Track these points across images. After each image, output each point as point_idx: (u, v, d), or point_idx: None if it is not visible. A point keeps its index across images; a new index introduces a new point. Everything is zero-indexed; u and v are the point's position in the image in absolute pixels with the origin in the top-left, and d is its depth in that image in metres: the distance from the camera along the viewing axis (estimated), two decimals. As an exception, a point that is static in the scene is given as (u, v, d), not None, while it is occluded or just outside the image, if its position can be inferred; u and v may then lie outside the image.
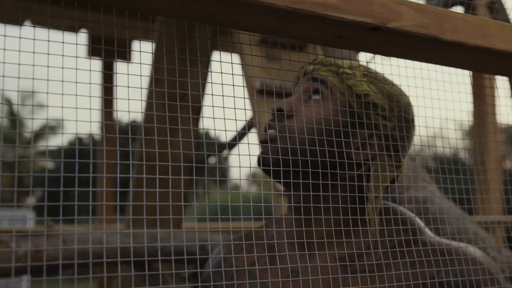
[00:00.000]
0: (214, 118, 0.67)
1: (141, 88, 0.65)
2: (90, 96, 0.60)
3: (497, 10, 2.57)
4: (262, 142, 0.81)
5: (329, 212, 0.78)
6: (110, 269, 2.70)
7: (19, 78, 0.57)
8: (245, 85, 1.81)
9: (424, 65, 0.80)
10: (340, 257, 0.78)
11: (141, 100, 0.61)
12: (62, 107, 0.59)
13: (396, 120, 0.82)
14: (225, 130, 0.67)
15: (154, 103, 2.67)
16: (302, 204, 0.79)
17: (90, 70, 0.63)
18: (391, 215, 0.79)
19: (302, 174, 0.76)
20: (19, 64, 0.56)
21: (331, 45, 0.72)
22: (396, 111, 0.82)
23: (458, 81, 0.87)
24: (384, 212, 0.80)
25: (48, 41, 0.59)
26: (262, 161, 0.79)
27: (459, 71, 0.83)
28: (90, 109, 0.60)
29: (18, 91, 0.58)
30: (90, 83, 0.61)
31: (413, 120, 0.85)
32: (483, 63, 0.77)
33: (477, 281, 0.72)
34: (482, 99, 2.65)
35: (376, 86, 0.82)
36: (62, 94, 0.59)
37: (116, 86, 4.05)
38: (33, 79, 0.58)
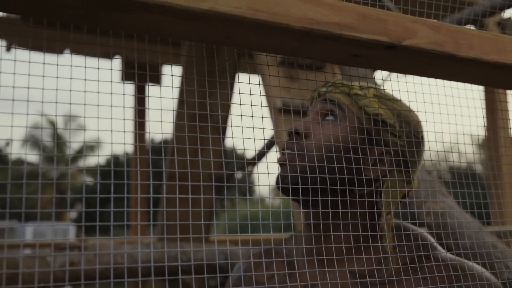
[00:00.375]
0: (240, 137, 0.66)
1: (171, 109, 0.65)
2: (124, 119, 0.60)
3: (505, 25, 2.54)
4: (280, 161, 0.81)
5: (345, 229, 0.78)
6: (141, 283, 2.70)
7: (56, 103, 0.57)
8: (266, 104, 1.82)
9: (439, 81, 0.78)
10: (354, 272, 0.78)
11: (172, 122, 0.62)
12: (98, 129, 0.59)
13: (405, 137, 0.81)
14: (245, 149, 0.67)
15: (184, 124, 2.70)
16: (320, 221, 0.79)
17: (124, 94, 0.63)
18: (402, 231, 0.79)
19: (319, 192, 0.76)
20: (57, 89, 0.57)
21: (348, 64, 0.71)
22: (406, 128, 0.82)
23: (472, 96, 0.85)
24: (395, 228, 0.80)
25: (85, 67, 0.60)
26: (281, 180, 0.79)
27: (473, 86, 0.82)
28: (124, 131, 0.60)
29: (56, 115, 0.59)
30: (124, 107, 0.61)
31: (422, 136, 0.85)
32: (499, 79, 0.75)
33: None
34: (495, 113, 2.61)
35: (386, 105, 0.82)
36: (98, 117, 0.59)
37: (148, 108, 4.09)
38: (70, 103, 0.59)
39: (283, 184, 0.78)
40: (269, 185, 0.73)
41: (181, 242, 1.90)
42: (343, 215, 0.78)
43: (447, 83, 0.80)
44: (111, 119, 0.59)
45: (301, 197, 0.76)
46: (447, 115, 0.83)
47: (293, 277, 0.82)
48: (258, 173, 0.69)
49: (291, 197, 0.78)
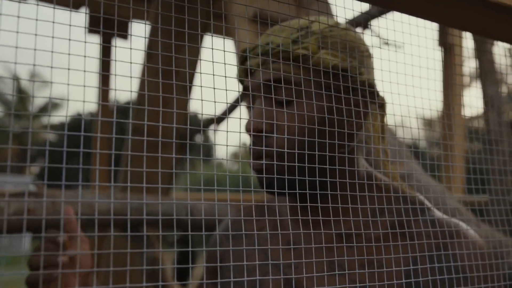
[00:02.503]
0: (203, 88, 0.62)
1: (138, 65, 0.60)
2: (84, 71, 0.54)
3: None
4: (255, 168, 0.70)
5: (334, 190, 0.71)
6: (101, 232, 2.65)
7: (16, 47, 0.51)
8: (236, 61, 1.77)
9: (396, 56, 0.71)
10: (340, 229, 0.72)
11: (131, 77, 0.56)
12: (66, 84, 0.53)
13: (367, 67, 0.70)
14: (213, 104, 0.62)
15: (146, 78, 2.61)
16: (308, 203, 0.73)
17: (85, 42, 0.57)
18: (399, 193, 0.72)
19: (307, 177, 0.68)
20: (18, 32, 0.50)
21: None
22: (360, 56, 0.70)
23: (432, 74, 0.77)
24: (389, 190, 0.73)
25: (53, 22, 0.53)
26: (266, 187, 0.70)
27: (433, 59, 0.75)
28: (84, 86, 0.55)
29: (15, 63, 0.52)
30: (85, 56, 0.55)
31: (368, 50, 0.72)
32: (503, 25, 0.66)
33: (470, 266, 0.64)
34: (450, 90, 2.64)
35: (333, 48, 0.68)
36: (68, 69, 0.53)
37: (115, 61, 3.95)
38: (35, 49, 0.53)
39: (271, 188, 0.69)
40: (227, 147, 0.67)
41: (140, 195, 1.85)
42: (334, 187, 0.72)
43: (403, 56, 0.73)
44: (68, 68, 0.53)
45: (297, 191, 0.66)
46: (405, 85, 0.75)
47: (277, 234, 0.78)
48: (215, 135, 0.65)
49: (286, 192, 0.70)
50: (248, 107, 0.78)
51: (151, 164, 2.48)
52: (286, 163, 0.58)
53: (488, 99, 2.14)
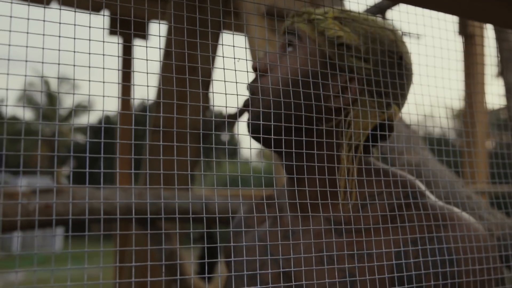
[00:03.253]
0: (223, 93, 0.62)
1: (157, 64, 0.61)
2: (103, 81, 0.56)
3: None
4: (242, 107, 0.75)
5: (314, 172, 0.71)
6: (123, 228, 2.70)
7: (43, 63, 0.52)
8: (253, 58, 1.77)
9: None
10: (329, 219, 0.71)
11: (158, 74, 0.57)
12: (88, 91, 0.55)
13: (378, 60, 0.70)
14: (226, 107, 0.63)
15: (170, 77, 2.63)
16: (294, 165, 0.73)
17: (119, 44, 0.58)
18: (390, 177, 0.70)
19: (284, 133, 0.69)
20: (43, 48, 0.52)
21: None
22: (376, 49, 0.71)
23: (451, 66, 0.74)
24: (383, 174, 0.71)
25: (74, 25, 0.55)
26: (247, 128, 0.74)
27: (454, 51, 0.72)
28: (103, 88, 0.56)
29: (41, 76, 0.54)
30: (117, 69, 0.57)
31: (401, 57, 0.72)
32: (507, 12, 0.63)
33: (463, 249, 0.62)
34: (472, 78, 2.60)
35: (350, 27, 0.71)
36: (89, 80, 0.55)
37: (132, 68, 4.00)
38: (58, 64, 0.54)
39: (251, 133, 0.72)
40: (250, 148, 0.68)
41: (164, 192, 1.88)
42: (311, 158, 0.71)
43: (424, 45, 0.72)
44: (102, 82, 0.54)
45: (261, 135, 0.71)
46: (427, 76, 0.73)
47: (277, 223, 0.79)
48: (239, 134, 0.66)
49: (251, 137, 0.73)
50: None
51: (170, 163, 2.51)
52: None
53: (510, 87, 2.10)
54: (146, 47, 0.58)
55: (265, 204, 0.84)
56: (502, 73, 2.10)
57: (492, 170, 0.83)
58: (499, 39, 2.07)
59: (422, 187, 0.72)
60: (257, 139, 0.72)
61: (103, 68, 0.54)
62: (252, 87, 0.74)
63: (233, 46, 0.59)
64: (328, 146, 0.71)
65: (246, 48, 0.68)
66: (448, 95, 0.75)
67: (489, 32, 1.93)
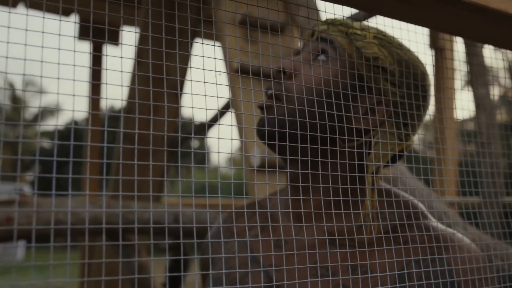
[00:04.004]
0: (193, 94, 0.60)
1: (129, 72, 0.58)
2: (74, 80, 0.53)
3: None
4: (260, 105, 0.71)
5: (326, 183, 0.69)
6: (91, 240, 2.62)
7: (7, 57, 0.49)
8: (225, 67, 1.75)
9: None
10: (330, 230, 0.69)
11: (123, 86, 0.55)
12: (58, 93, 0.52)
13: (406, 87, 0.71)
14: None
15: (136, 84, 2.59)
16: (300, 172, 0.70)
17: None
18: (393, 198, 0.69)
19: (300, 142, 0.66)
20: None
21: None
22: (408, 78, 0.71)
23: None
24: (385, 195, 0.70)
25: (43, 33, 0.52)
26: (258, 130, 0.69)
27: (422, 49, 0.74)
28: (74, 95, 0.53)
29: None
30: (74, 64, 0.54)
31: (427, 90, 0.73)
32: (478, 26, 0.65)
33: (464, 275, 0.62)
34: (442, 92, 2.63)
35: (388, 50, 0.70)
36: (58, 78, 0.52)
37: (106, 69, 3.94)
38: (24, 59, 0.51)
39: (261, 127, 0.68)
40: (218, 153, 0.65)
41: (131, 202, 1.83)
42: (325, 169, 0.69)
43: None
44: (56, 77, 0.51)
45: (284, 150, 0.67)
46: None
47: (267, 231, 0.75)
48: (215, 138, 0.62)
49: (266, 142, 0.69)
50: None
51: (141, 171, 2.46)
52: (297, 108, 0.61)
53: (479, 102, 2.14)
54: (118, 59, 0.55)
55: (257, 213, 0.80)
56: (472, 87, 2.15)
57: (462, 178, 0.83)
58: (469, 53, 2.12)
59: (423, 208, 0.71)
60: (272, 144, 0.69)
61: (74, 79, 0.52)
62: (276, 91, 0.70)
63: (201, 56, 0.57)
64: (344, 159, 0.70)
65: (216, 59, 0.66)
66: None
67: (459, 46, 1.97)
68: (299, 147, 0.64)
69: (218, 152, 0.59)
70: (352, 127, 0.69)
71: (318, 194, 0.70)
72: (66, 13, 3.60)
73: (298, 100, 0.68)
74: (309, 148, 0.64)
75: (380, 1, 0.57)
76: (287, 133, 0.67)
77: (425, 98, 0.73)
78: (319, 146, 0.64)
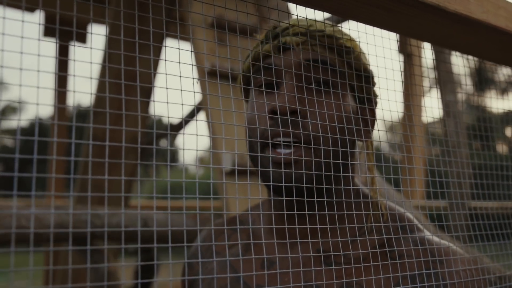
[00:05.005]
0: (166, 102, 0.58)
1: (96, 71, 0.56)
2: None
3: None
4: (285, 161, 0.60)
5: (321, 208, 0.63)
6: (56, 245, 2.55)
7: None
8: (195, 69, 1.73)
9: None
10: (319, 248, 0.65)
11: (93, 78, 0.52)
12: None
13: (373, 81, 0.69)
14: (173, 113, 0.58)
15: (107, 84, 2.54)
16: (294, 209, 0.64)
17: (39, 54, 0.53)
18: (379, 211, 0.66)
19: (318, 180, 0.61)
20: None
21: (294, 1, 0.54)
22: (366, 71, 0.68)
23: (392, 78, 0.77)
24: (372, 206, 0.67)
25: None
26: (296, 182, 0.60)
27: (394, 66, 0.74)
28: (38, 87, 0.51)
29: None
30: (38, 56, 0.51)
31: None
32: (457, 36, 0.65)
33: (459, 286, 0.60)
34: (410, 97, 2.68)
35: (365, 55, 0.68)
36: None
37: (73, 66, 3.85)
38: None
39: (300, 184, 0.59)
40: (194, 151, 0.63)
41: (97, 207, 1.79)
42: (330, 193, 0.65)
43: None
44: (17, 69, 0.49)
45: (305, 199, 0.59)
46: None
47: (251, 251, 0.70)
48: (184, 137, 0.59)
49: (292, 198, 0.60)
50: (263, 90, 0.66)
51: (106, 172, 2.41)
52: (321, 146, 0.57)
53: (446, 107, 2.19)
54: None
55: (238, 230, 0.74)
56: (441, 93, 2.19)
57: (428, 179, 0.83)
58: (437, 60, 2.16)
59: (414, 220, 0.68)
60: (289, 190, 0.60)
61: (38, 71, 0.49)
62: (295, 133, 0.60)
63: (167, 61, 0.55)
64: (348, 180, 0.68)
65: (191, 64, 0.64)
66: (386, 113, 0.74)
67: (427, 52, 2.00)
68: (314, 187, 0.59)
69: (188, 163, 0.57)
70: (355, 144, 0.67)
71: (316, 213, 0.64)
72: (31, 10, 3.50)
73: (324, 140, 0.60)
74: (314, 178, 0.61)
75: (356, 7, 0.56)
76: (316, 175, 0.61)
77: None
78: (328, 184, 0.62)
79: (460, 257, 0.63)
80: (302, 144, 0.59)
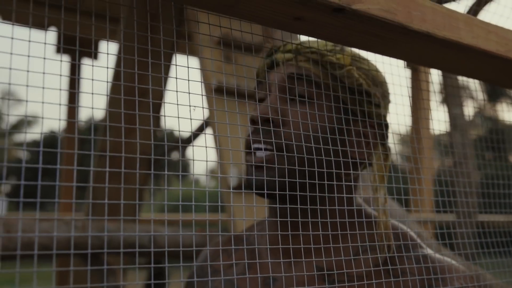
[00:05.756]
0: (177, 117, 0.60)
1: (106, 86, 0.58)
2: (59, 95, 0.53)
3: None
4: (256, 163, 0.64)
5: (324, 218, 0.66)
6: (63, 261, 2.57)
7: None
8: (203, 87, 1.76)
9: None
10: (321, 267, 0.66)
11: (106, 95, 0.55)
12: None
13: (386, 107, 0.70)
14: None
15: (118, 100, 2.58)
16: (290, 218, 0.66)
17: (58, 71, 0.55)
18: (381, 229, 0.66)
19: (300, 187, 0.63)
20: None
21: (289, 29, 0.59)
22: (381, 93, 0.70)
23: (399, 92, 0.78)
24: (375, 225, 0.67)
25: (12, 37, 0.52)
26: (258, 186, 0.64)
27: (401, 81, 0.76)
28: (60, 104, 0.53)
29: None
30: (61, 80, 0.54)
31: (388, 97, 0.73)
32: (449, 59, 0.67)
33: None
34: (418, 106, 2.69)
35: (361, 70, 0.68)
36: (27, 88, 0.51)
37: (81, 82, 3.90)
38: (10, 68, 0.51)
39: (260, 190, 0.63)
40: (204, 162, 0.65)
41: (103, 222, 1.81)
42: (322, 203, 0.66)
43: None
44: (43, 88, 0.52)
45: (289, 204, 0.63)
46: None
47: (254, 268, 0.70)
48: (196, 148, 0.61)
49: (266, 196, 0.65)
50: (258, 103, 0.72)
51: (115, 191, 2.44)
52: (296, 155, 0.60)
53: (454, 122, 2.19)
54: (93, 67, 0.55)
55: (233, 243, 0.77)
56: (447, 107, 2.19)
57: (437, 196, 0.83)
58: (444, 75, 2.17)
59: (415, 238, 0.69)
60: (272, 195, 0.63)
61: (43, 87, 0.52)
62: (272, 141, 0.64)
63: (177, 79, 0.57)
64: (347, 198, 0.68)
65: (199, 80, 0.66)
66: (396, 127, 0.76)
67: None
68: (298, 194, 0.61)
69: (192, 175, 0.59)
70: (348, 161, 0.67)
71: (314, 229, 0.66)
72: (43, 26, 3.56)
73: (297, 148, 0.63)
74: (308, 187, 0.62)
75: (349, 35, 0.58)
76: (290, 182, 0.63)
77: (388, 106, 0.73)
78: (324, 182, 0.63)
79: (462, 275, 0.63)
80: (274, 152, 0.62)
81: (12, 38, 0.52)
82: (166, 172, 0.58)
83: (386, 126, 0.71)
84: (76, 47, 0.52)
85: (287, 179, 0.62)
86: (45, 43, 0.50)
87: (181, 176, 0.57)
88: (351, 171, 0.67)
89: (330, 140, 0.65)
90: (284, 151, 0.63)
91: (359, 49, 0.64)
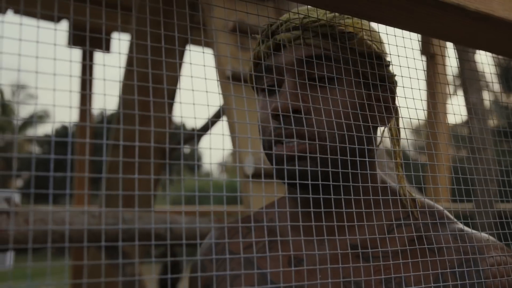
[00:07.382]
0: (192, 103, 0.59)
1: (119, 78, 0.57)
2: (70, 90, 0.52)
3: None
4: (289, 154, 0.60)
5: (352, 200, 0.63)
6: (78, 249, 2.59)
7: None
8: (217, 74, 1.74)
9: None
10: (355, 243, 0.63)
11: (119, 81, 0.54)
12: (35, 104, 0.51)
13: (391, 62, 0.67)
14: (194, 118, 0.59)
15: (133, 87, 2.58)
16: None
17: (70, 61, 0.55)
18: (413, 204, 0.65)
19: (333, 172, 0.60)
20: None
21: (312, 4, 0.54)
22: (384, 49, 0.67)
23: (416, 85, 0.76)
24: (410, 201, 0.66)
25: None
26: (298, 177, 0.60)
27: (419, 73, 0.73)
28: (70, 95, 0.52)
29: None
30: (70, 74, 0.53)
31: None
32: (480, 35, 0.64)
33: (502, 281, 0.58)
34: (434, 97, 2.65)
35: (373, 37, 0.65)
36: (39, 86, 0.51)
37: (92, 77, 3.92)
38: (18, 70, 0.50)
39: (301, 181, 0.59)
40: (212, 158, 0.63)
41: (124, 213, 1.81)
42: (351, 188, 0.63)
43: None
44: (54, 89, 0.51)
45: (320, 195, 0.59)
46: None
47: (275, 248, 0.67)
48: (208, 147, 0.60)
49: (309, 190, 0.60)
50: (268, 90, 0.66)
51: (129, 182, 2.45)
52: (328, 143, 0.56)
53: (471, 107, 2.16)
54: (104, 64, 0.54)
55: (265, 227, 0.73)
56: (465, 92, 2.16)
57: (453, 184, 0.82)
58: (461, 59, 2.13)
59: (451, 216, 0.67)
60: (305, 185, 0.60)
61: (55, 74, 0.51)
62: (298, 132, 0.60)
63: (191, 64, 0.56)
64: (373, 175, 0.66)
65: (213, 67, 0.64)
66: (413, 113, 0.73)
67: (450, 51, 1.98)
68: (330, 176, 0.59)
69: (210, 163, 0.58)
70: (375, 136, 0.66)
71: (346, 206, 0.64)
72: (57, 19, 3.58)
73: (329, 136, 0.60)
74: (340, 163, 0.60)
75: (376, 8, 0.56)
76: (323, 171, 0.60)
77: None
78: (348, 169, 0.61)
79: (497, 244, 0.62)
80: (307, 140, 0.58)
81: (28, 39, 0.51)
82: (182, 162, 0.57)
83: (396, 84, 0.68)
84: (87, 34, 0.51)
85: (329, 168, 0.60)
86: (55, 31, 0.49)
87: (196, 166, 0.56)
88: (374, 147, 0.65)
89: (361, 116, 0.62)
90: (316, 139, 0.59)
91: (384, 25, 0.61)
